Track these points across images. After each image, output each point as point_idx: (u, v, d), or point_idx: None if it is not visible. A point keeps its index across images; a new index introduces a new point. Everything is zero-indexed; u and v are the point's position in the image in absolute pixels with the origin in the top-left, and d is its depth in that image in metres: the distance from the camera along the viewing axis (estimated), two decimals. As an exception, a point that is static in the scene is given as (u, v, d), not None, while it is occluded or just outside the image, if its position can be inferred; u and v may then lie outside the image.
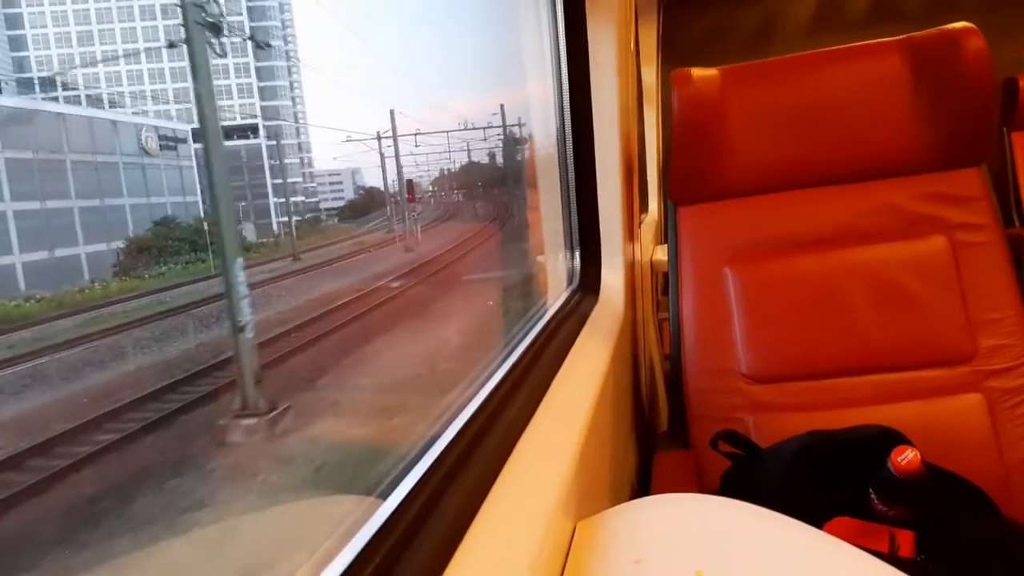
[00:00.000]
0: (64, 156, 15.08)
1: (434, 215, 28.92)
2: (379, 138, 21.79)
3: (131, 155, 17.17)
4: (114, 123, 17.48)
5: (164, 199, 18.10)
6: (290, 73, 30.59)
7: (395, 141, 20.13)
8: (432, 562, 0.49)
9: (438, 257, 14.18)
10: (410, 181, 23.11)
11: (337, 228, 24.94)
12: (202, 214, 18.93)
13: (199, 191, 19.71)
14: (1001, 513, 1.06)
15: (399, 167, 20.52)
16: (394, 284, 10.91)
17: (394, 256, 15.34)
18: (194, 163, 19.76)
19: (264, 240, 19.97)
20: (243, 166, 24.32)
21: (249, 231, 19.17)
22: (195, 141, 19.69)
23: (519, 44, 1.52)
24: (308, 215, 28.42)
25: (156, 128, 18.77)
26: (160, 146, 18.30)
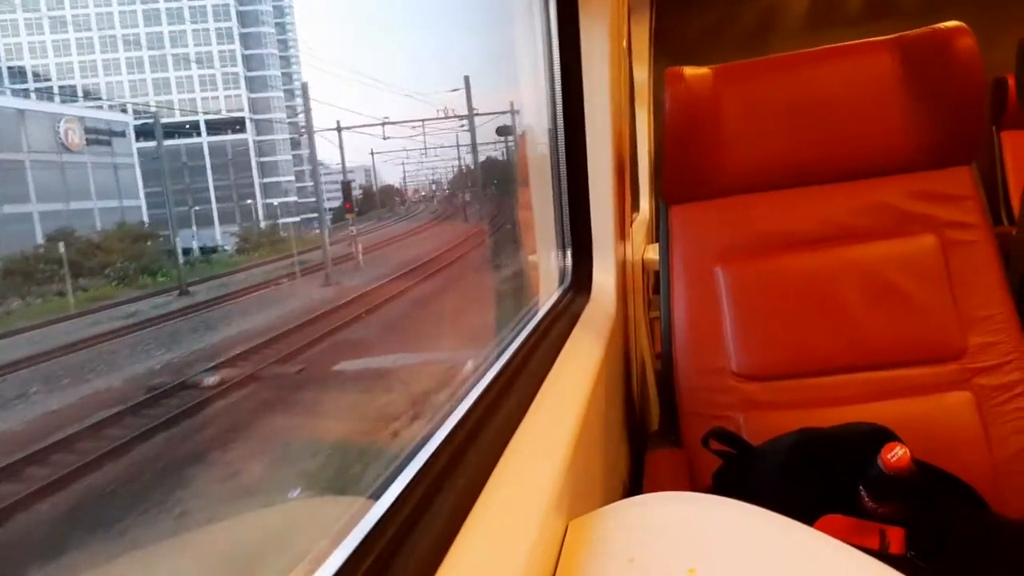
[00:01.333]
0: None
1: (427, 217, 27.89)
2: (339, 129, 19.14)
3: (44, 151, 13.86)
4: (21, 112, 14.21)
5: (90, 204, 14.68)
6: (289, 63, 29.53)
7: (309, 129, 16.16)
8: (425, 562, 0.49)
9: (357, 299, 10.16)
10: (347, 185, 20.00)
11: (297, 238, 20.18)
12: (146, 220, 16.10)
13: (142, 193, 16.62)
14: (990, 509, 1.07)
15: (314, 158, 17.44)
16: (208, 381, 6.58)
17: (301, 294, 11.33)
18: (135, 160, 16.61)
19: (215, 252, 16.62)
20: (228, 163, 23.35)
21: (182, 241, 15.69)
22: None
23: (511, 42, 1.52)
24: (299, 217, 26.77)
25: (81, 119, 15.31)
26: (88, 140, 15.04)
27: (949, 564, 0.91)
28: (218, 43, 24.86)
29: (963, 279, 1.29)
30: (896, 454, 0.90)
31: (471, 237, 16.53)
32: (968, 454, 1.19)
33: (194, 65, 24.32)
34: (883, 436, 0.98)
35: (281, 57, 28.56)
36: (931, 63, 1.31)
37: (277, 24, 28.47)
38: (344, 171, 21.29)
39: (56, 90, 22.00)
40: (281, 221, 23.95)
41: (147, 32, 23.50)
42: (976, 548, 0.95)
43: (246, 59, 26.01)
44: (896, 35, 1.36)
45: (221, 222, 21.72)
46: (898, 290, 1.29)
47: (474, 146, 19.24)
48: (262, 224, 22.43)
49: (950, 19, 1.29)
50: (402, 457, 0.65)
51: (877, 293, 1.30)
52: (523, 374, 0.91)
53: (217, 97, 25.14)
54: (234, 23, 25.16)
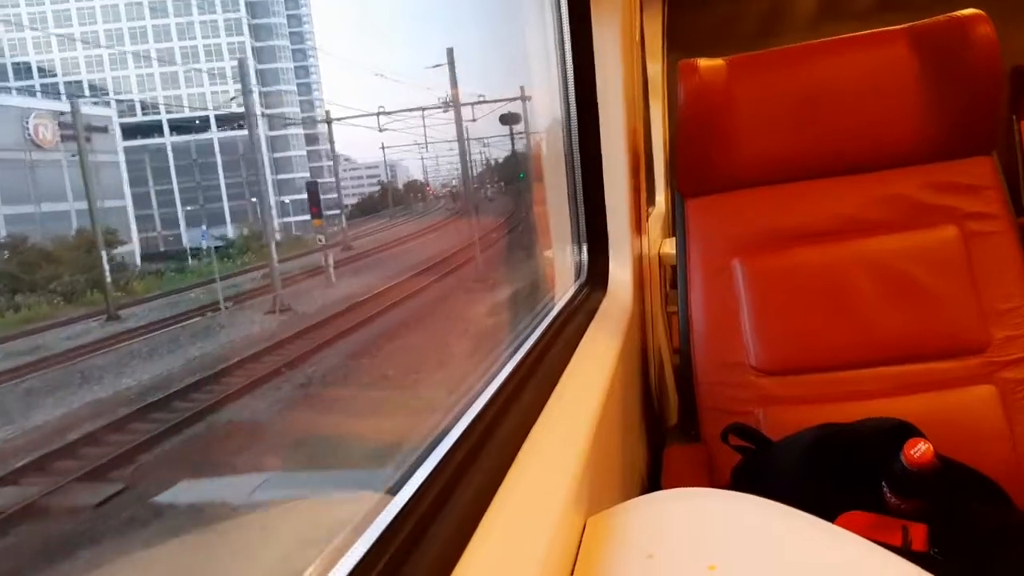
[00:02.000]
0: None
1: (443, 214, 27.11)
2: (329, 121, 18.06)
3: (8, 148, 12.35)
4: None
5: (66, 206, 12.98)
6: (305, 56, 29.00)
7: (248, 115, 13.61)
8: (443, 557, 0.49)
9: (297, 337, 7.90)
10: (313, 186, 17.60)
11: (291, 241, 18.04)
12: (132, 223, 14.67)
13: (128, 193, 15.06)
14: (1014, 505, 1.06)
15: (259, 148, 14.83)
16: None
17: (239, 323, 9.25)
18: (121, 157, 15.06)
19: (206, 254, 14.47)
20: (240, 159, 22.95)
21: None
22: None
23: (524, 36, 1.52)
24: (310, 216, 25.49)
25: (55, 113, 13.56)
26: (63, 136, 13.26)
27: (972, 561, 0.90)
28: (227, 35, 24.46)
29: (985, 271, 1.27)
30: (919, 450, 0.89)
31: (475, 243, 13.88)
32: (992, 449, 1.18)
33: (203, 57, 23.86)
34: (905, 431, 0.96)
35: (295, 50, 28.20)
36: (949, 52, 1.29)
37: (291, 16, 28.16)
38: (336, 169, 20.37)
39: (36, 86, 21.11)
40: (293, 219, 23.58)
41: (153, 25, 23.19)
42: (999, 544, 0.93)
43: (256, 51, 25.68)
44: (913, 24, 1.34)
45: (233, 220, 21.56)
46: (919, 283, 1.27)
47: (460, 135, 16.38)
48: (260, 225, 19.63)
49: (965, 7, 1.27)
50: (420, 452, 0.64)
51: (897, 286, 1.28)
52: (540, 369, 0.90)
53: (227, 91, 24.71)
54: (243, 14, 24.77)
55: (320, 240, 13.48)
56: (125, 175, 15.25)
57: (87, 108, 16.60)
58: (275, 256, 11.21)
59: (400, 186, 38.43)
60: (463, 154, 16.71)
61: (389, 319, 8.80)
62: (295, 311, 9.62)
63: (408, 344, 7.98)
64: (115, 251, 12.88)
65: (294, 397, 6.44)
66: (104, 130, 14.82)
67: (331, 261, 12.22)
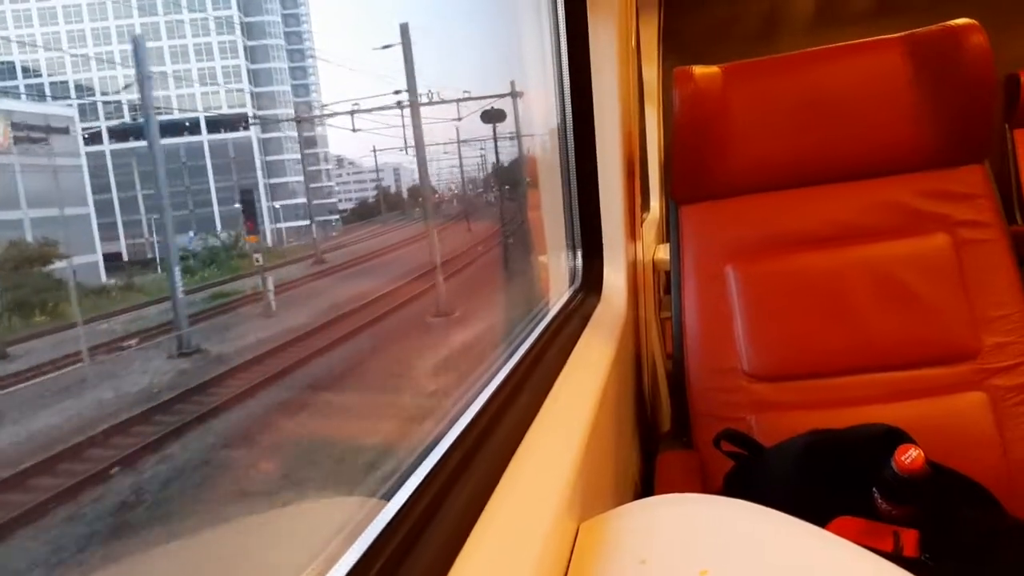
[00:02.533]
0: None
1: (439, 219, 26.33)
2: (297, 119, 16.91)
3: None
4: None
5: (18, 214, 11.51)
6: (303, 56, 28.23)
7: (147, 106, 9.87)
8: (436, 563, 0.49)
9: (189, 395, 6.29)
10: (248, 195, 15.72)
11: (265, 251, 14.78)
12: (95, 231, 13.37)
13: (90, 199, 13.73)
14: (1004, 510, 1.06)
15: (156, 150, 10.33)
16: None
17: (124, 374, 7.30)
18: (83, 161, 13.81)
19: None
20: (231, 163, 22.38)
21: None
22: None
23: (519, 42, 1.52)
24: (308, 221, 24.49)
25: (7, 113, 12.44)
26: (16, 138, 12.04)
27: (963, 566, 0.90)
28: (217, 33, 23.85)
29: (977, 278, 1.28)
30: (910, 456, 0.90)
31: (437, 268, 11.24)
32: (982, 455, 1.18)
33: (192, 57, 23.23)
34: (896, 437, 0.97)
35: (291, 51, 27.70)
36: (942, 61, 1.30)
37: (288, 16, 27.73)
38: (305, 174, 19.48)
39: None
40: (284, 225, 23.19)
41: (141, 23, 22.66)
42: (990, 550, 0.94)
43: (252, 53, 25.11)
44: (907, 32, 1.35)
45: (224, 227, 21.08)
46: (911, 290, 1.28)
47: (416, 128, 13.49)
48: (231, 233, 18.01)
49: (960, 16, 1.28)
50: (414, 458, 0.64)
51: (889, 293, 1.29)
52: (534, 375, 0.90)
53: (218, 92, 24.13)
54: (235, 11, 24.23)
55: (257, 260, 11.30)
56: (86, 179, 13.82)
57: (47, 108, 15.39)
58: (179, 284, 8.76)
59: (404, 190, 37.99)
60: (420, 157, 13.89)
61: (310, 371, 7.05)
62: (207, 352, 7.82)
63: (312, 426, 6.04)
64: (54, 266, 11.14)
65: (106, 527, 4.25)
66: (65, 131, 13.52)
67: (271, 286, 10.48)
